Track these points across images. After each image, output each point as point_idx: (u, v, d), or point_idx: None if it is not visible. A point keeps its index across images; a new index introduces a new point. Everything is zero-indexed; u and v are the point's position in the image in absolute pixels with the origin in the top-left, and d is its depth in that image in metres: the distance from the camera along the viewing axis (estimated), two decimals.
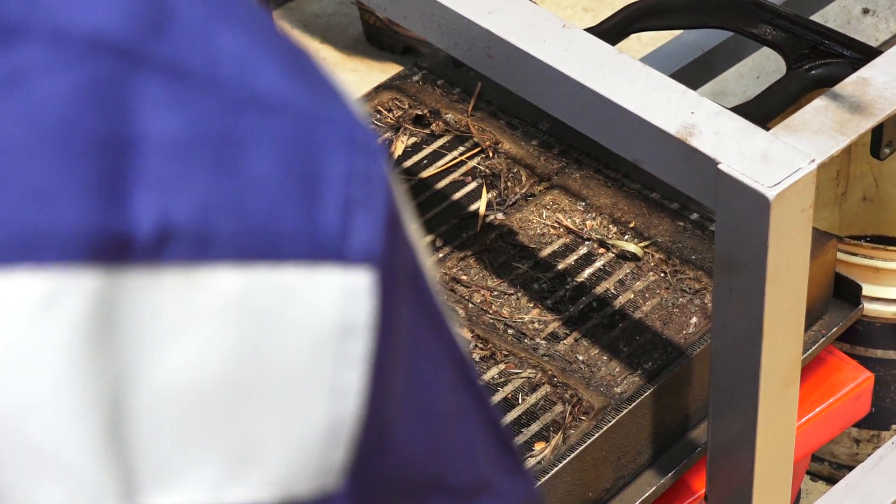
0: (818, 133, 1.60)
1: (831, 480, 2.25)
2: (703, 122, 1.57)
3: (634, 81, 1.63)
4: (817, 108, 1.64)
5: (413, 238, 0.73)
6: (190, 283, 0.64)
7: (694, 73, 2.53)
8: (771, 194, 1.48)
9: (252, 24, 0.72)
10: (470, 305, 1.87)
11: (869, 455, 2.19)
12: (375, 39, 3.42)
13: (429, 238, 1.96)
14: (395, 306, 0.71)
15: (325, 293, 0.66)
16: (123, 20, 0.67)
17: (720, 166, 1.51)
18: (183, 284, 0.64)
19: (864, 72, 1.68)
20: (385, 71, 3.21)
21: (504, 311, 1.86)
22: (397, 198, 0.71)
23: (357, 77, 3.26)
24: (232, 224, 0.65)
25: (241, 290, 0.65)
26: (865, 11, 3.32)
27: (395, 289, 0.71)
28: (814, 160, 1.54)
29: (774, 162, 1.52)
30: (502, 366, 1.79)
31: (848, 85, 1.66)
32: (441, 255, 1.94)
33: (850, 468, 2.18)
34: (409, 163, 2.06)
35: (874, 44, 1.73)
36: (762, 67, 2.82)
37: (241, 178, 0.65)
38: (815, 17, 2.42)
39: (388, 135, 2.09)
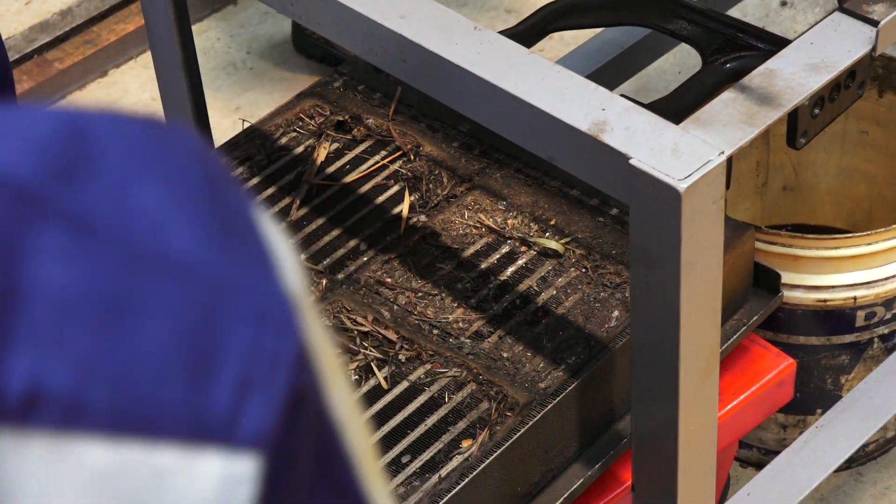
0: (727, 125, 1.60)
1: (760, 466, 2.26)
2: (614, 119, 1.57)
3: (546, 80, 1.64)
4: (726, 101, 1.64)
5: (332, 414, 0.68)
6: (56, 452, 0.59)
7: (615, 71, 2.54)
8: (681, 187, 1.48)
9: (178, 177, 0.67)
10: (395, 307, 1.87)
11: (794, 441, 2.22)
12: (303, 49, 3.42)
13: (353, 242, 1.95)
14: (288, 495, 0.65)
15: (201, 479, 0.61)
16: (32, 163, 0.63)
17: (631, 161, 1.52)
18: (49, 453, 0.59)
19: (772, 63, 1.69)
20: (313, 80, 3.21)
21: (429, 312, 1.86)
22: (312, 374, 0.66)
23: (284, 86, 3.25)
24: (109, 394, 0.60)
25: (110, 467, 0.60)
26: (783, 4, 3.35)
27: (291, 475, 0.66)
28: (723, 152, 1.54)
29: (684, 155, 1.53)
30: (428, 366, 1.80)
31: (756, 76, 1.67)
32: (365, 259, 1.94)
33: (778, 453, 2.20)
34: (331, 168, 2.06)
35: (792, 36, 1.74)
36: (683, 62, 2.84)
37: (127, 344, 0.60)
38: (735, 12, 2.44)
39: (310, 141, 2.08)
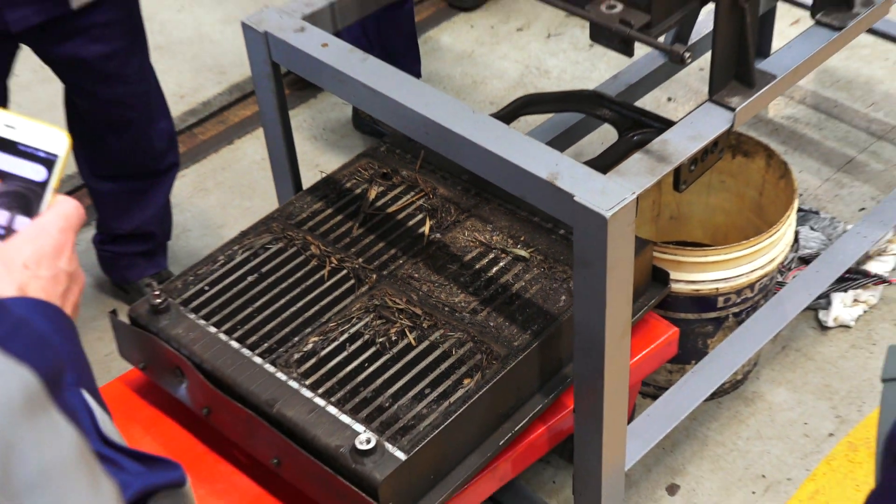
0: (636, 175, 1.62)
1: (655, 397, 2.26)
2: (564, 171, 1.59)
3: (518, 146, 1.65)
4: (635, 160, 1.67)
5: None
6: None
7: (562, 140, 2.53)
8: (607, 215, 1.50)
9: None
10: (420, 293, 1.87)
11: (677, 381, 2.23)
12: (359, 126, 3.38)
13: (393, 250, 1.95)
14: None
15: None
16: None
17: (575, 198, 1.53)
18: None
19: (664, 136, 1.70)
20: (366, 146, 3.20)
21: (442, 296, 1.86)
22: None
23: (347, 150, 3.25)
24: None
25: None
26: (669, 99, 3.36)
27: None
28: (634, 192, 1.56)
29: (609, 195, 1.54)
30: (441, 330, 1.80)
31: (654, 144, 1.69)
32: (401, 262, 1.93)
33: (667, 389, 2.21)
34: (378, 203, 2.05)
35: (676, 119, 1.75)
36: (606, 136, 2.82)
37: None
38: (638, 103, 2.44)
39: (364, 185, 2.08)
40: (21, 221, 0.76)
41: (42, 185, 0.78)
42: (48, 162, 0.78)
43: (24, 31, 2.25)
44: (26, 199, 0.77)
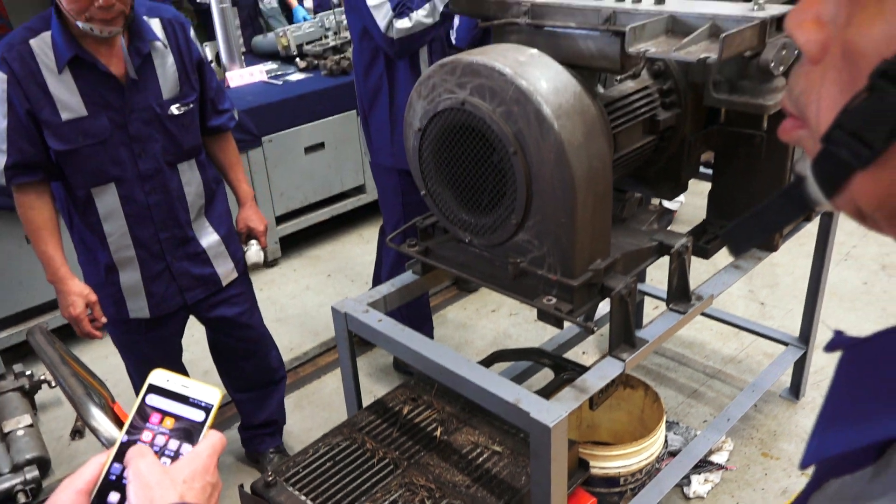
0: (567, 401, 1.54)
1: None
2: (523, 398, 1.52)
3: (495, 382, 1.58)
4: (566, 391, 1.59)
5: None
6: None
7: (521, 377, 2.48)
8: (551, 426, 1.42)
9: None
10: (434, 474, 1.72)
11: None
12: (397, 367, 3.27)
13: (416, 445, 1.82)
14: None
15: None
16: None
17: (531, 415, 1.46)
18: None
19: (583, 376, 1.62)
20: (401, 381, 3.11)
21: (448, 476, 1.71)
22: None
23: (390, 384, 3.16)
24: None
25: None
26: (584, 353, 3.29)
27: None
28: (566, 411, 1.48)
29: (552, 413, 1.47)
30: (448, 498, 1.64)
31: (577, 381, 1.61)
32: (422, 453, 1.79)
33: None
34: (409, 416, 1.94)
35: (588, 364, 1.70)
36: (547, 375, 2.75)
37: None
38: (566, 356, 2.39)
39: (402, 405, 1.97)
40: (185, 448, 0.73)
41: (202, 424, 0.75)
42: (207, 409, 0.75)
43: (194, 303, 2.23)
44: (190, 433, 0.74)
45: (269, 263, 4.13)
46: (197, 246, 2.15)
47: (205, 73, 2.04)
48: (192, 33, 2.00)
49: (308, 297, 3.89)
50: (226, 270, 2.25)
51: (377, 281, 3.21)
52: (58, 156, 1.86)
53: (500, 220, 1.60)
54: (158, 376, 0.76)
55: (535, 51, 1.52)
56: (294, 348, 3.49)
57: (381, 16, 2.36)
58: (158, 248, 2.06)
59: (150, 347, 2.30)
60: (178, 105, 1.95)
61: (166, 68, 1.92)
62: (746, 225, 0.48)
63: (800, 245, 2.41)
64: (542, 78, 1.44)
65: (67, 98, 1.79)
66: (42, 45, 1.77)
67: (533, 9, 1.57)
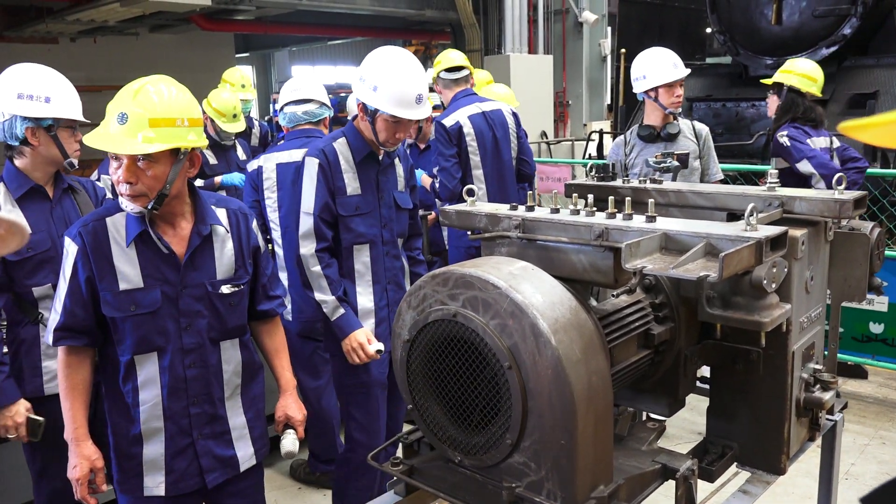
0: None
1: None
2: None
3: None
4: None
5: None
6: None
7: None
8: None
9: None
10: None
11: None
12: None
13: None
14: None
15: None
16: None
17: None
18: None
19: None
20: None
21: None
22: None
23: None
24: None
25: None
26: None
27: None
28: None
29: None
30: None
31: None
32: None
33: None
34: None
35: None
36: None
37: None
38: None
39: None
40: None
41: None
42: None
43: (213, 488, 2.16)
44: None
45: None
46: (224, 424, 2.17)
47: (259, 260, 2.23)
48: (253, 223, 2.21)
49: None
50: (245, 455, 2.22)
51: None
52: (109, 322, 2.02)
53: (493, 438, 1.48)
54: None
55: (527, 264, 1.51)
56: None
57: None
58: (187, 423, 2.10)
59: None
60: (229, 285, 2.11)
61: (224, 251, 2.12)
62: (887, 492, 0.45)
63: (797, 462, 2.31)
64: (538, 291, 1.41)
65: (128, 270, 2.00)
66: (116, 223, 2.03)
67: (524, 223, 1.59)
